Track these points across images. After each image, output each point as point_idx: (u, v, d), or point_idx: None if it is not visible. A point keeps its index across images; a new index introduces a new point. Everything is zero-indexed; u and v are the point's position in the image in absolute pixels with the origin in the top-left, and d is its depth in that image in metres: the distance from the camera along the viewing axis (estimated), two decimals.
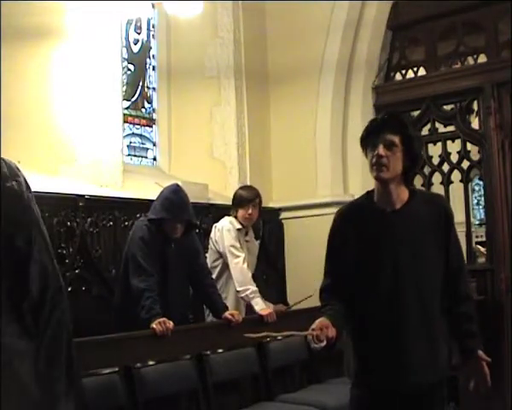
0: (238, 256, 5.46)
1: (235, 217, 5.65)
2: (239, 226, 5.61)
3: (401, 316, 2.91)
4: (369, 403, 3.02)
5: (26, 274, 1.61)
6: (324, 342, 2.80)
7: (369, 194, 3.10)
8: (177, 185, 5.04)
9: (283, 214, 7.47)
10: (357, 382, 3.08)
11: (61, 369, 1.73)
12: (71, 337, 1.79)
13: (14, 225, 1.60)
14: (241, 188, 5.89)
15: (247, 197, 5.65)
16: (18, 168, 1.68)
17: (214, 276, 5.47)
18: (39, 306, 1.65)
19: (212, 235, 5.66)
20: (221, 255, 5.56)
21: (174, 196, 4.90)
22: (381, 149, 2.92)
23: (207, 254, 5.63)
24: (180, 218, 4.89)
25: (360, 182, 6.88)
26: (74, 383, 1.78)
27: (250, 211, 5.61)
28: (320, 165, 7.24)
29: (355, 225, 3.05)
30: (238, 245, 5.53)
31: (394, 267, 2.93)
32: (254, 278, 5.65)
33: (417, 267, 2.94)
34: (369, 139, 3.00)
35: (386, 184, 2.98)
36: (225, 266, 5.55)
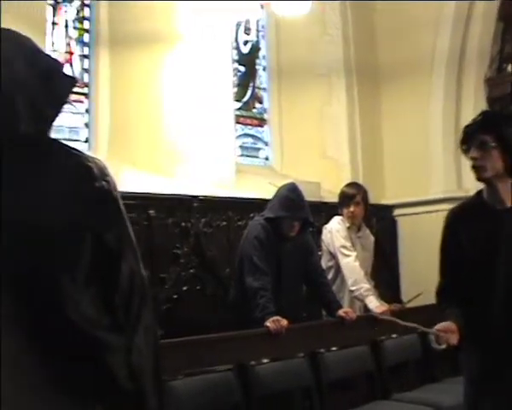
0: (349, 256, 5.39)
1: (342, 215, 5.59)
2: (348, 224, 5.54)
3: None
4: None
5: (117, 269, 1.67)
6: (444, 346, 2.80)
7: (480, 193, 3.06)
8: (294, 184, 5.04)
9: (397, 211, 7.40)
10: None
11: (150, 365, 1.77)
12: (157, 338, 1.83)
13: (103, 224, 1.67)
14: (345, 185, 5.76)
15: (347, 195, 5.55)
16: (106, 168, 1.74)
17: (330, 276, 5.44)
18: (129, 302, 1.70)
19: (323, 237, 5.60)
20: (334, 256, 5.50)
21: (293, 195, 4.90)
22: (473, 152, 2.93)
23: (322, 256, 5.62)
24: (298, 216, 4.89)
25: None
26: (162, 380, 1.82)
27: (352, 209, 5.49)
28: (433, 160, 7.12)
29: (466, 225, 3.01)
30: (349, 244, 5.45)
31: (508, 267, 2.85)
32: (371, 274, 5.60)
33: None
34: (466, 143, 3.01)
35: (490, 183, 2.96)
36: (340, 267, 5.48)
